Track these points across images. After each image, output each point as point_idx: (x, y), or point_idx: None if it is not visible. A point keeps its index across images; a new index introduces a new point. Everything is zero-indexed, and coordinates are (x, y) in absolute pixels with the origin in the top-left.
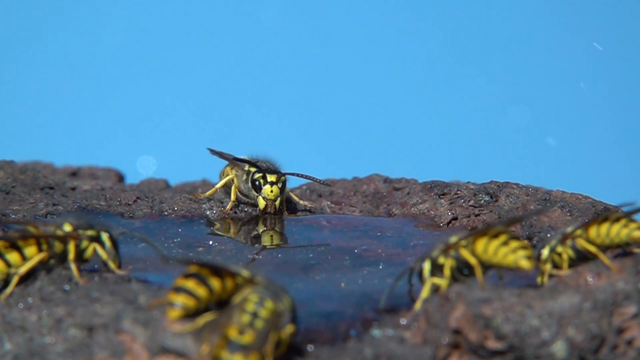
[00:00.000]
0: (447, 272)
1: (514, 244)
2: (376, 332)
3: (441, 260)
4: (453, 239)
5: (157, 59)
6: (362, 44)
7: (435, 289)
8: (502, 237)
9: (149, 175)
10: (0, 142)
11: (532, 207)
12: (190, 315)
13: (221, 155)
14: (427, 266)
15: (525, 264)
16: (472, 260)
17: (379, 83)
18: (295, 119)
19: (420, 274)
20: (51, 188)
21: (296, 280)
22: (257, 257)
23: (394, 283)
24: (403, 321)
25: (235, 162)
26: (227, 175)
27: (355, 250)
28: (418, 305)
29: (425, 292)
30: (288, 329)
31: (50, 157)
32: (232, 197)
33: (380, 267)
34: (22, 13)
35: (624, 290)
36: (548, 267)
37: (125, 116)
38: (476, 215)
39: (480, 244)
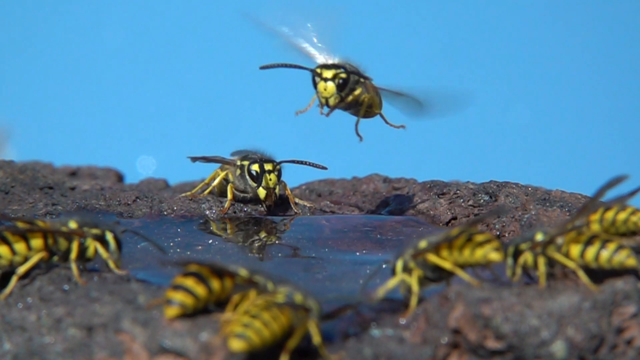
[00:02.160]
0: (414, 284)
1: (479, 237)
2: (375, 331)
3: (411, 264)
4: (422, 244)
5: (156, 59)
6: (362, 43)
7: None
8: (465, 235)
9: (149, 175)
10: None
11: (531, 207)
12: (187, 314)
13: (206, 159)
14: (399, 265)
15: (494, 256)
16: (447, 265)
17: (378, 82)
18: (295, 119)
19: (393, 271)
20: (50, 188)
21: (296, 279)
22: (256, 256)
23: (368, 278)
24: (402, 321)
25: (224, 160)
26: (218, 175)
27: (356, 251)
28: (381, 292)
29: (391, 283)
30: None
31: (49, 157)
32: (229, 195)
33: (382, 266)
34: (22, 13)
35: (624, 290)
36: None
37: (125, 116)
38: (475, 215)
39: (445, 247)
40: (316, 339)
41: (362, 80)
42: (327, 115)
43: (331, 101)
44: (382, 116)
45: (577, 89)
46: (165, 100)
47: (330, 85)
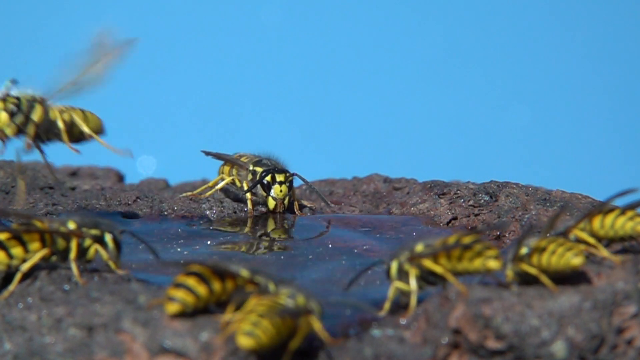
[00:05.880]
0: (412, 282)
1: (478, 246)
2: (376, 331)
3: (406, 267)
4: (418, 248)
5: (157, 59)
6: (362, 44)
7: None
8: (464, 241)
9: (149, 175)
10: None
11: (532, 207)
12: (188, 314)
13: (219, 156)
14: (394, 267)
15: (494, 264)
16: (439, 269)
17: (379, 83)
18: (295, 119)
19: (388, 273)
20: (51, 188)
21: (297, 279)
22: (257, 257)
23: (361, 272)
24: (403, 321)
25: (237, 162)
26: (224, 173)
27: (355, 250)
28: (387, 306)
29: (391, 294)
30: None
31: (50, 157)
32: (248, 195)
33: (382, 265)
34: (21, 12)
35: (624, 290)
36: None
37: (125, 116)
38: (476, 215)
39: (443, 254)
40: (323, 335)
41: (39, 101)
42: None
43: (8, 132)
44: (94, 136)
45: (577, 89)
46: (166, 100)
47: (2, 115)
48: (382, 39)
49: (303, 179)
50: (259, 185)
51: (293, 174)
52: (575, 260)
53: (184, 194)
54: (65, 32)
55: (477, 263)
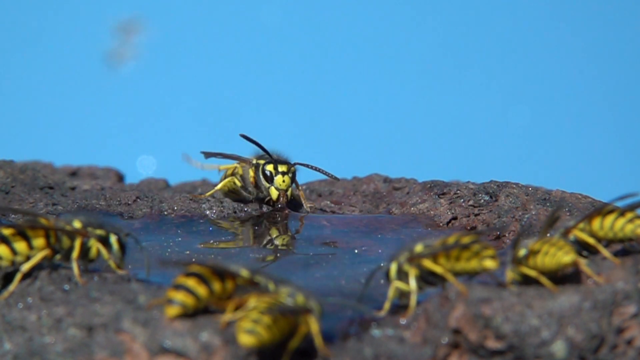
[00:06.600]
0: (412, 282)
1: (475, 246)
2: (376, 331)
3: (406, 267)
4: (418, 248)
5: (156, 58)
6: (362, 44)
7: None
8: (462, 242)
9: (149, 175)
10: (0, 142)
11: (532, 207)
12: (188, 314)
13: (221, 155)
14: (393, 268)
15: (490, 264)
16: (438, 269)
17: (379, 83)
18: (296, 119)
19: (387, 274)
20: (51, 188)
21: (296, 279)
22: (257, 257)
23: (367, 282)
24: (403, 321)
25: (240, 157)
26: (227, 176)
27: (356, 250)
28: (387, 306)
29: (391, 294)
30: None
31: (50, 156)
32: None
33: (381, 265)
34: (22, 12)
35: (624, 290)
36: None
37: (125, 116)
38: (476, 215)
39: (442, 255)
40: (318, 340)
41: None
42: None
43: None
44: None
45: (577, 89)
46: (166, 100)
47: None
48: (382, 39)
49: (306, 165)
50: (262, 178)
51: (295, 164)
52: (566, 258)
53: (185, 194)
54: (65, 32)
55: (474, 263)
